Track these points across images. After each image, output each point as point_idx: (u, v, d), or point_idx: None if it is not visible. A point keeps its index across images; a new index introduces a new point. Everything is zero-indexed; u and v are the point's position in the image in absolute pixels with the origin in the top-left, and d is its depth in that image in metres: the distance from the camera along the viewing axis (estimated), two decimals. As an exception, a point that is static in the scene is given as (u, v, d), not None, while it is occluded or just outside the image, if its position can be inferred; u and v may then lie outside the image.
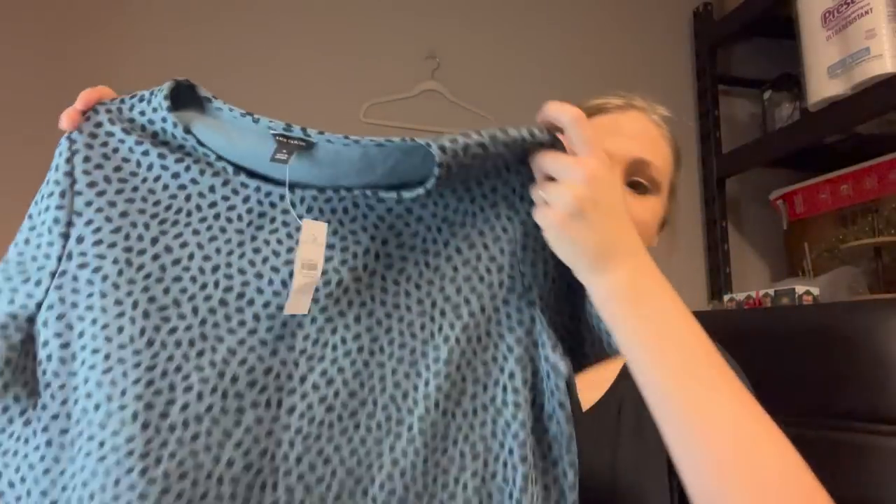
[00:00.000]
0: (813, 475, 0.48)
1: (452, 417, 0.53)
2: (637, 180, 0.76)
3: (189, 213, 0.53)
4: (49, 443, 0.47)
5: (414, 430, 0.52)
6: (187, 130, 0.54)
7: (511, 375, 0.54)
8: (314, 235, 0.52)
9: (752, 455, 0.47)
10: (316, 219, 0.53)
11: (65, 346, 0.49)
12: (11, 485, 0.48)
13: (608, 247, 0.51)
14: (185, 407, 0.47)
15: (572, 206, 0.51)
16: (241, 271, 0.52)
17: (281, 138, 0.51)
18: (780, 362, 0.75)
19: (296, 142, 0.51)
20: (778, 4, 1.57)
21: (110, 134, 0.53)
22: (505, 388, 0.54)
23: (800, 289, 1.32)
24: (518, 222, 0.55)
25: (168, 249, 0.51)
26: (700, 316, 0.89)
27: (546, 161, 0.53)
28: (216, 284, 0.51)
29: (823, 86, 1.41)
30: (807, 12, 1.46)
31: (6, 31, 1.47)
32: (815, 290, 1.32)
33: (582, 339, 0.58)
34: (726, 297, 1.50)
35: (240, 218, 0.53)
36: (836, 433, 0.86)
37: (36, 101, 1.44)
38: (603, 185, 0.51)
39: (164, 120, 0.54)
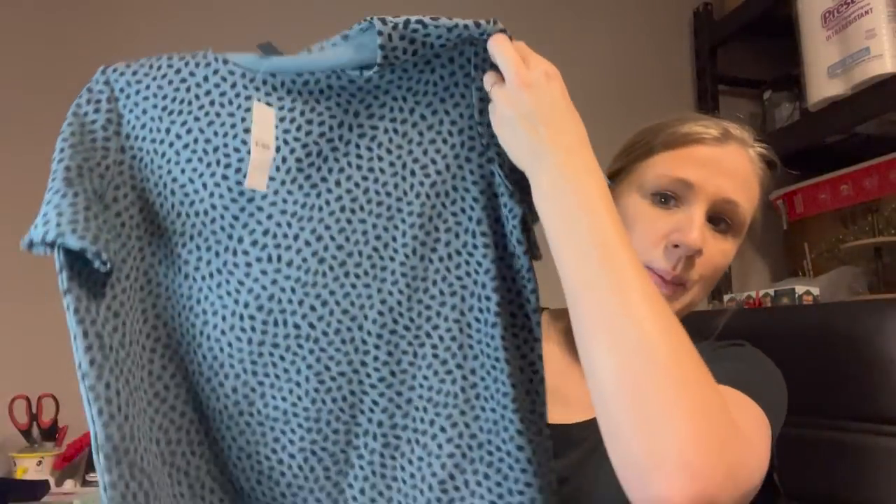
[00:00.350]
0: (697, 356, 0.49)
1: (430, 262, 0.63)
2: (721, 217, 0.75)
3: (190, 103, 0.62)
4: (124, 290, 0.60)
5: (396, 274, 0.62)
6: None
7: (479, 222, 0.63)
8: (265, 118, 0.62)
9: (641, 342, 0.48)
10: (294, 100, 0.62)
11: (131, 217, 0.62)
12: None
13: (535, 152, 0.57)
14: (208, 263, 0.61)
15: (503, 112, 0.58)
16: (236, 150, 0.62)
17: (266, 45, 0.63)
18: (780, 362, 0.75)
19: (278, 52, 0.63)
20: (778, 4, 1.57)
21: (130, 63, 0.66)
22: (474, 234, 0.63)
23: (800, 289, 1.32)
24: (474, 88, 0.62)
25: (178, 136, 0.62)
26: (700, 316, 0.89)
27: (496, 52, 0.58)
28: (218, 163, 0.62)
29: (823, 86, 1.41)
30: (807, 12, 1.46)
31: (6, 9, 1.47)
32: (815, 290, 1.33)
33: None
34: (726, 297, 1.50)
35: (230, 102, 0.62)
36: (836, 433, 0.86)
37: (39, 77, 1.45)
38: (537, 93, 0.57)
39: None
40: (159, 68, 0.64)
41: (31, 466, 1.32)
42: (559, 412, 0.71)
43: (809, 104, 1.46)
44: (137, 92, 0.63)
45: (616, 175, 0.80)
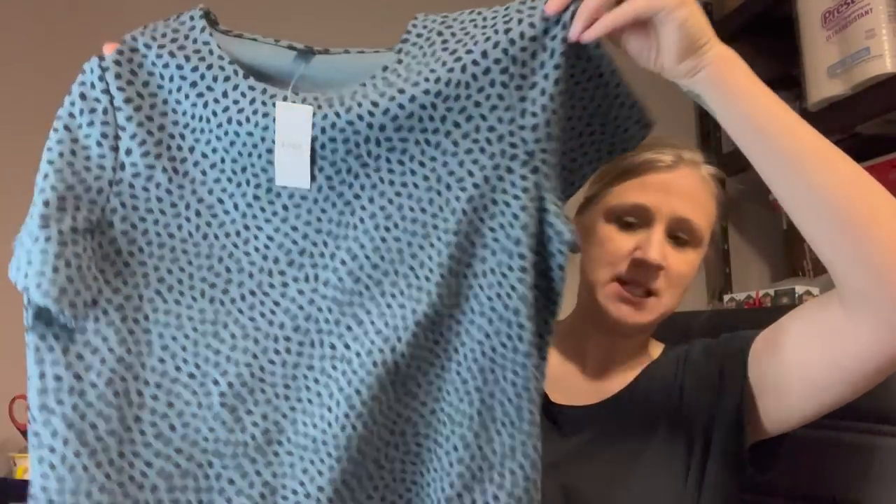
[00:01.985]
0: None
1: (464, 278, 0.60)
2: (679, 233, 0.82)
3: (209, 120, 0.60)
4: (124, 319, 0.58)
5: (433, 294, 0.59)
6: (211, 34, 0.62)
7: (517, 242, 0.58)
8: (296, 117, 0.59)
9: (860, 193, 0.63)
10: (320, 114, 0.59)
11: (132, 241, 0.59)
12: (87, 362, 0.57)
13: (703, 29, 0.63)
14: (240, 285, 0.60)
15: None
16: (264, 169, 0.60)
17: (290, 49, 0.62)
18: (779, 362, 0.75)
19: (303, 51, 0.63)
20: (778, 4, 1.57)
21: (134, 50, 0.61)
22: (511, 255, 0.58)
23: (800, 289, 1.32)
24: (514, 87, 0.58)
25: (204, 155, 0.60)
26: (700, 316, 0.89)
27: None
28: (248, 182, 0.60)
29: (823, 86, 1.40)
30: (807, 12, 1.46)
31: None
32: (815, 290, 1.33)
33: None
34: (726, 297, 1.50)
35: (248, 120, 0.59)
36: (836, 433, 0.86)
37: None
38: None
39: (191, 18, 0.62)
40: (171, 79, 0.60)
41: (32, 466, 1.32)
42: (564, 398, 0.84)
43: (809, 104, 1.45)
44: (152, 105, 0.60)
45: (589, 201, 0.88)
